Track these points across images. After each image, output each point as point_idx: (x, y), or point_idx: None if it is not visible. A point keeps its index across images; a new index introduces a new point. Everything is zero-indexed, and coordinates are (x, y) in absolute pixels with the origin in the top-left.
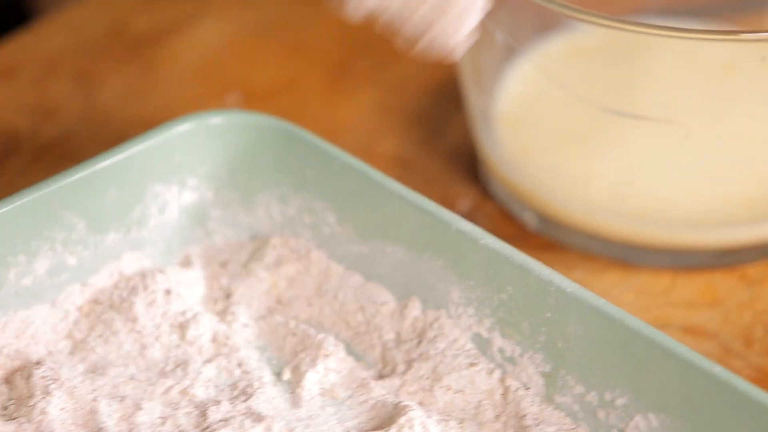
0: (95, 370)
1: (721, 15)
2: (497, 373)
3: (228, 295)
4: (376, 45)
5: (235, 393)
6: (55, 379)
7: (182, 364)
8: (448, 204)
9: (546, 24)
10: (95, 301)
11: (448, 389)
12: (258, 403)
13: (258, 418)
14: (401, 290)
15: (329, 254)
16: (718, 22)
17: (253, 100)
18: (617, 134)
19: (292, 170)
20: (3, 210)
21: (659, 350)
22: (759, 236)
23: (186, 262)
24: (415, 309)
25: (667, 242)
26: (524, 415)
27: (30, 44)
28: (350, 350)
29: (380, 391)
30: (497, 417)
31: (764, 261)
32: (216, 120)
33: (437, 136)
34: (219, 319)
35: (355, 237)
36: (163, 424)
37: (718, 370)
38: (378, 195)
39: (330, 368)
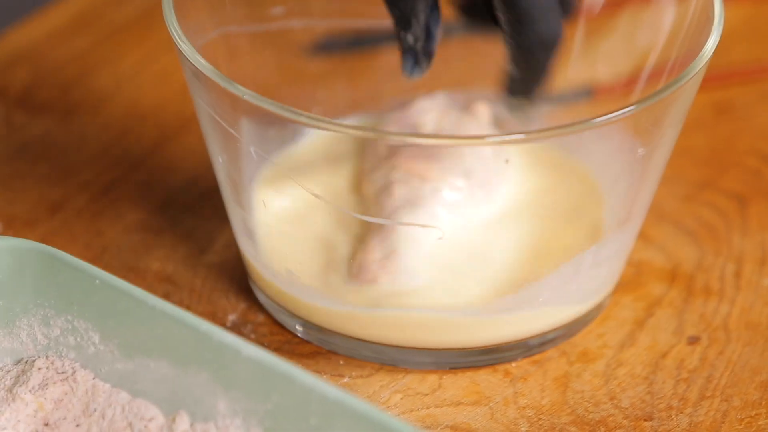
0: None
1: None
2: None
3: None
4: (141, 165)
5: None
6: None
7: None
8: (217, 317)
9: (294, 134)
10: None
11: None
12: None
13: None
14: (169, 405)
15: (95, 373)
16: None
17: (17, 227)
18: (375, 238)
19: (53, 293)
20: None
21: None
22: (518, 334)
23: None
24: (183, 423)
25: (431, 343)
26: None
27: None
28: None
29: None
30: None
31: (526, 358)
32: None
33: (204, 253)
34: None
35: (119, 355)
36: None
37: None
38: (139, 312)
39: None
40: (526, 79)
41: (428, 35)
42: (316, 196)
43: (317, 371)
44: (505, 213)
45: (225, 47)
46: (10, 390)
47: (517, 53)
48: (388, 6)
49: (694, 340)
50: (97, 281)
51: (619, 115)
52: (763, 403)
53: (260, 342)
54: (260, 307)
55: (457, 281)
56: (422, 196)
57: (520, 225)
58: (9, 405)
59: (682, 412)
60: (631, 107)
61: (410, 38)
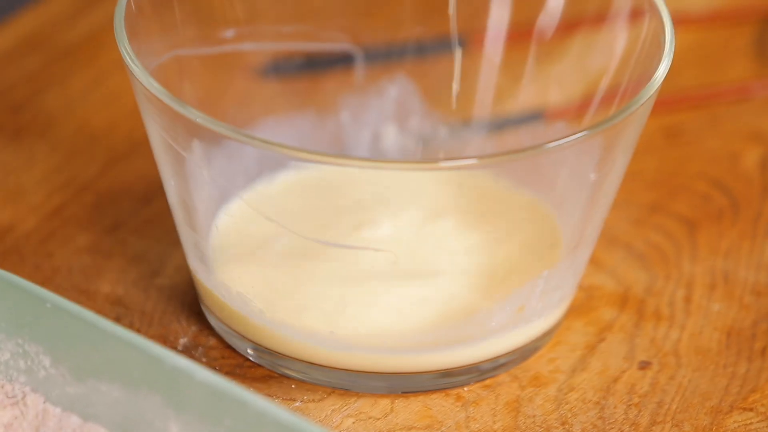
0: None
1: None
2: None
3: None
4: (91, 186)
5: None
6: None
7: None
8: (168, 341)
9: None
10: None
11: None
12: None
13: None
14: (120, 428)
15: (45, 397)
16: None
17: None
18: (328, 263)
19: (3, 316)
20: None
21: None
22: (470, 359)
23: None
24: None
25: (383, 367)
26: None
27: None
28: None
29: None
30: None
31: (478, 382)
32: None
33: (155, 276)
34: None
35: (70, 378)
36: None
37: None
38: (90, 335)
39: None
40: None
41: None
42: (270, 219)
43: (269, 395)
44: (457, 238)
45: (177, 69)
46: None
47: None
48: None
49: (645, 365)
50: (48, 304)
51: (572, 140)
52: (713, 428)
53: (212, 365)
54: (212, 331)
55: (407, 306)
56: (373, 219)
57: (472, 250)
58: None
59: None
60: (584, 132)
61: None
